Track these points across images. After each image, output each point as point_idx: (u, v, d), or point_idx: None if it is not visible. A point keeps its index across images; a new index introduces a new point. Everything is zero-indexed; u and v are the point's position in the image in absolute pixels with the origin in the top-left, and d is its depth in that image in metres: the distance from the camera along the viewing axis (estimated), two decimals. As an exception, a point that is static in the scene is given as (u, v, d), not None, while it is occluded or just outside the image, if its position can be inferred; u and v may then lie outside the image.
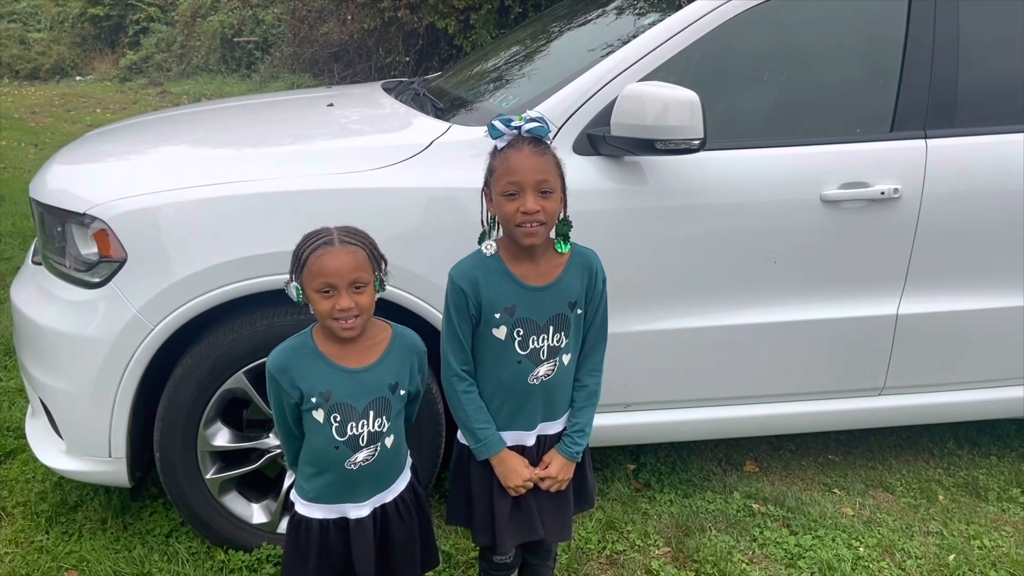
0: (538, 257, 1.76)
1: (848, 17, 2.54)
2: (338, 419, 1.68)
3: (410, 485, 1.85)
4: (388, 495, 1.79)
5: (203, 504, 2.37)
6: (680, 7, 2.46)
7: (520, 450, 1.86)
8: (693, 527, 2.58)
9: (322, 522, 1.75)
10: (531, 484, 1.84)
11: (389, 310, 2.28)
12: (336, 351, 1.69)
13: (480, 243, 1.78)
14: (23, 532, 2.51)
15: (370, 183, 2.23)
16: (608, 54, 2.45)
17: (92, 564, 2.36)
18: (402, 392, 1.73)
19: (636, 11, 2.81)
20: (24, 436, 2.76)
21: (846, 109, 2.54)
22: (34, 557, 2.39)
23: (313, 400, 1.67)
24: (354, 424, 1.68)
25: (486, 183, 1.73)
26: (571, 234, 1.79)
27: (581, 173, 2.31)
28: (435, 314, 2.27)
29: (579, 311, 1.80)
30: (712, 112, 2.21)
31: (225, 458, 2.39)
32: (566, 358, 1.81)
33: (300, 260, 1.64)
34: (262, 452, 2.39)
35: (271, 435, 2.39)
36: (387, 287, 1.73)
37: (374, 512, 1.77)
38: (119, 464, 2.30)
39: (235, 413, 2.42)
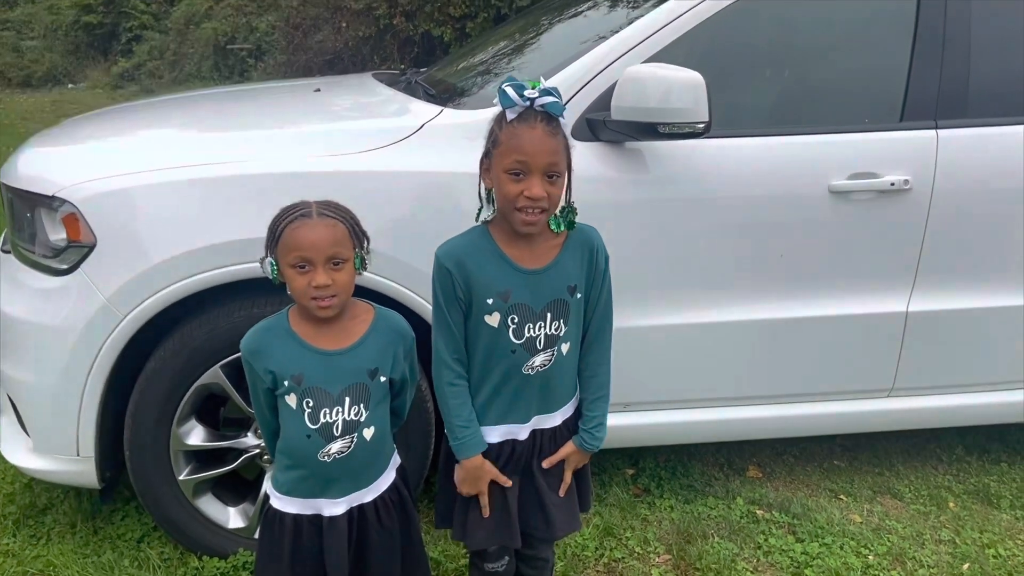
0: (534, 237, 1.62)
1: (858, 4, 2.45)
2: (311, 404, 1.55)
3: (394, 486, 1.71)
4: (367, 494, 1.65)
5: (176, 507, 2.24)
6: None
7: (511, 445, 1.72)
8: (695, 534, 2.45)
9: (296, 517, 1.62)
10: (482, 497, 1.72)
11: (375, 299, 2.16)
12: (311, 332, 1.57)
13: (478, 220, 1.65)
14: (-13, 536, 2.38)
15: (357, 166, 2.11)
16: (607, 38, 2.35)
17: (59, 569, 2.24)
18: (383, 379, 1.61)
19: (629, 3, 2.72)
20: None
21: (855, 97, 2.44)
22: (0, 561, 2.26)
23: (285, 384, 1.55)
24: (328, 411, 1.56)
25: (487, 153, 1.58)
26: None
27: (580, 160, 2.16)
28: (421, 302, 2.14)
29: (579, 295, 1.67)
30: (717, 98, 2.10)
31: (200, 458, 2.26)
32: (565, 347, 1.67)
33: (275, 233, 1.52)
34: (239, 452, 2.26)
35: (249, 434, 2.26)
36: (368, 270, 1.61)
37: (351, 511, 1.64)
38: (87, 463, 2.17)
39: (211, 410, 2.29)
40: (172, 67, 13.50)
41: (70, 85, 14.64)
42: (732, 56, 2.40)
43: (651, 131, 2.12)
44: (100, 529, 2.42)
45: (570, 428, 1.78)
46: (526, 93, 1.51)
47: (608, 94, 2.17)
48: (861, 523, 2.58)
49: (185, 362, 2.12)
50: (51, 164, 2.22)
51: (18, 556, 2.29)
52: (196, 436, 2.22)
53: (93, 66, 14.89)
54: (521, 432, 1.72)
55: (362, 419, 1.58)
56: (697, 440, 2.63)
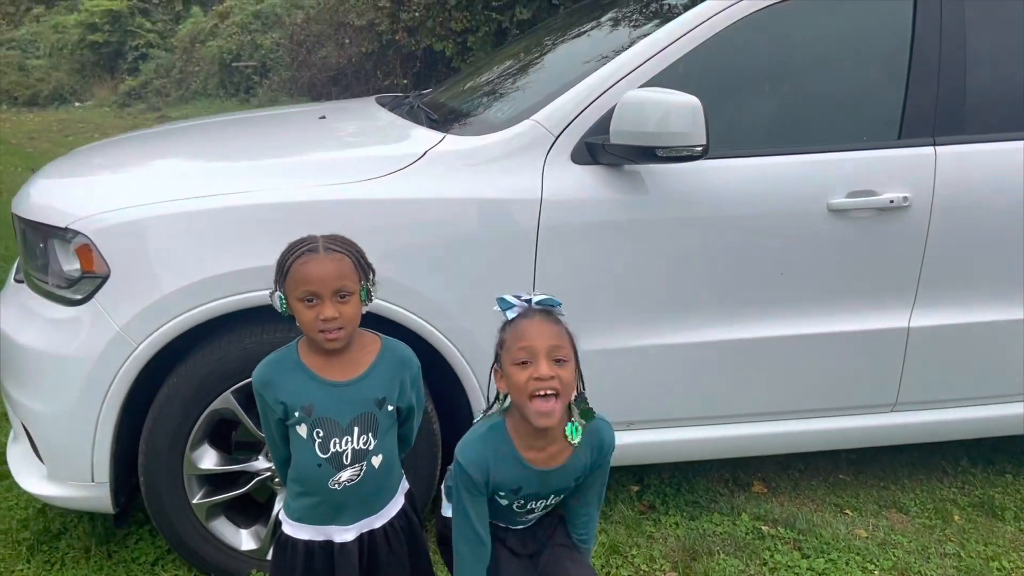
0: (551, 438, 1.64)
1: (853, 22, 2.49)
2: (321, 434, 1.59)
3: (403, 511, 1.75)
4: (377, 520, 1.69)
5: (190, 530, 2.27)
6: (675, 16, 2.41)
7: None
8: (700, 551, 2.47)
9: (307, 544, 1.65)
10: None
11: (380, 325, 2.20)
12: (319, 363, 1.61)
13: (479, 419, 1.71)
14: (3, 562, 2.41)
15: (362, 194, 2.15)
16: (604, 64, 2.39)
17: (73, 595, 2.26)
18: (390, 408, 1.64)
19: (631, 23, 2.77)
20: (5, 461, 2.66)
21: (852, 116, 2.47)
22: (13, 588, 2.30)
23: (296, 415, 1.59)
24: (337, 440, 1.59)
25: (496, 358, 1.63)
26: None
27: (580, 183, 2.25)
28: (429, 329, 2.19)
29: (577, 482, 1.73)
30: (715, 119, 2.14)
31: (213, 482, 2.30)
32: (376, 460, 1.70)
33: (284, 268, 1.57)
34: (251, 475, 2.29)
35: (260, 457, 2.29)
36: (375, 299, 1.65)
37: (361, 537, 1.67)
38: (102, 489, 2.20)
39: (223, 435, 2.33)
40: (178, 85, 13.63)
41: (76, 104, 14.78)
42: (729, 78, 2.44)
43: (650, 154, 2.16)
44: (114, 553, 2.45)
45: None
46: (523, 297, 1.61)
47: (607, 118, 2.21)
48: (867, 538, 2.59)
49: (197, 388, 2.16)
50: (64, 195, 2.27)
51: (34, 581, 2.33)
52: (209, 460, 2.25)
53: (99, 84, 15.03)
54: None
55: (371, 448, 1.62)
56: (701, 457, 2.65)
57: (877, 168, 2.38)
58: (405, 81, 10.32)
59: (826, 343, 2.45)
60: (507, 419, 1.66)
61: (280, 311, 1.60)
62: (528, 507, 1.71)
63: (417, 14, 9.40)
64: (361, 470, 1.62)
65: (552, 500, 1.73)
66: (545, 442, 1.64)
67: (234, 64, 12.78)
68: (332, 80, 11.25)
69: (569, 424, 1.62)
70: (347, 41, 10.96)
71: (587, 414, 1.65)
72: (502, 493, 1.67)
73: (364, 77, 10.87)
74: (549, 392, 1.53)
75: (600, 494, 1.79)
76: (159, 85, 13.95)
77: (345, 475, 1.61)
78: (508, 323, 1.60)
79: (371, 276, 1.63)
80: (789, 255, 2.36)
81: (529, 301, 1.60)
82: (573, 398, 1.62)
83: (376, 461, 1.63)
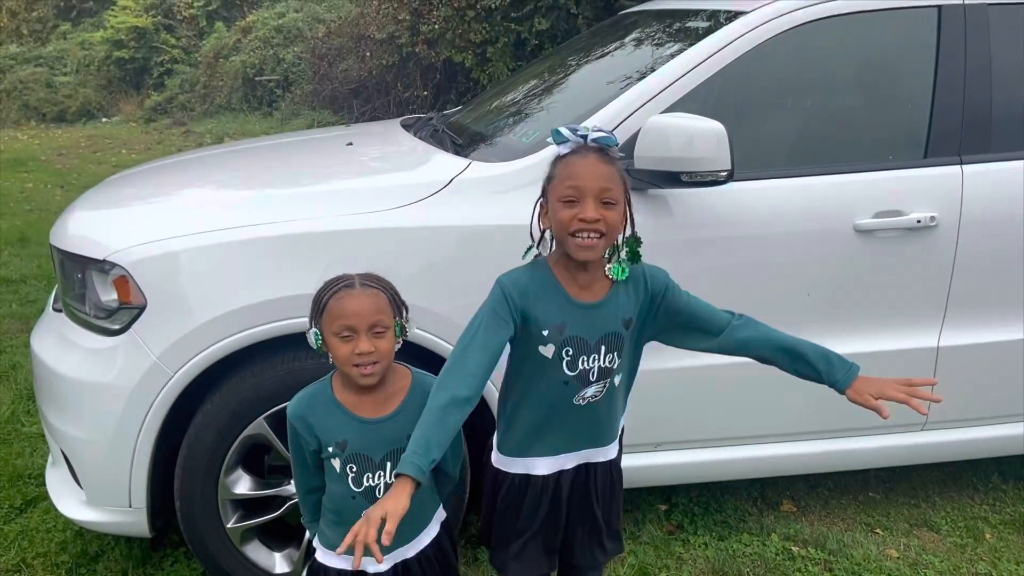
0: (592, 272, 1.63)
1: (877, 41, 2.49)
2: (354, 470, 1.62)
3: (436, 540, 1.77)
4: (410, 550, 1.71)
5: (224, 554, 2.31)
6: (699, 39, 2.42)
7: (556, 476, 1.74)
8: (730, 572, 2.47)
9: (340, 572, 1.68)
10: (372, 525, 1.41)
11: (410, 352, 2.23)
12: (353, 400, 1.64)
13: (525, 256, 1.68)
14: (43, 584, 2.46)
15: (390, 222, 2.19)
16: (629, 86, 2.40)
17: (112, 618, 2.31)
18: None
19: (654, 42, 2.78)
20: (44, 484, 2.72)
21: (878, 135, 2.47)
22: (53, 611, 2.35)
23: (330, 449, 1.62)
24: (371, 475, 1.63)
25: (543, 192, 1.63)
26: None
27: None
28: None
29: (632, 329, 1.68)
30: (739, 142, 2.16)
31: (246, 506, 2.34)
32: (617, 379, 1.70)
33: (320, 304, 1.60)
34: (284, 499, 2.33)
35: (293, 482, 2.33)
36: (409, 331, 1.68)
37: (395, 567, 1.69)
38: (139, 514, 2.25)
39: (256, 460, 2.37)
40: (203, 100, 13.79)
41: (104, 119, 15.00)
42: (753, 100, 2.45)
43: (674, 179, 2.18)
44: (150, 576, 2.50)
45: (616, 467, 1.80)
46: (579, 132, 1.57)
47: (631, 143, 2.22)
48: (898, 558, 2.58)
49: (231, 414, 2.20)
50: (100, 227, 2.32)
51: (73, 604, 2.38)
52: (243, 485, 2.29)
53: (126, 100, 15.24)
54: (567, 462, 1.75)
55: None
56: (730, 477, 2.65)
57: (903, 188, 2.38)
58: (425, 93, 10.40)
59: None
60: (549, 260, 1.65)
61: (315, 348, 1.63)
62: (579, 365, 1.64)
63: (437, 26, 9.47)
64: None
65: (605, 356, 1.65)
66: (588, 278, 1.62)
67: (257, 78, 12.92)
68: (353, 93, 11.35)
69: (615, 264, 1.62)
70: (368, 54, 11.06)
71: (635, 256, 1.63)
72: (545, 331, 1.61)
73: (385, 89, 10.96)
74: (593, 234, 1.53)
75: (718, 314, 1.73)
76: (184, 100, 14.12)
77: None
78: (560, 158, 1.58)
79: (405, 312, 1.65)
80: (816, 276, 2.36)
81: (585, 137, 1.57)
82: (623, 239, 1.61)
83: None
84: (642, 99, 2.32)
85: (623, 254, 1.65)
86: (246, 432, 2.22)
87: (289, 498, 2.32)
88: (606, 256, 1.64)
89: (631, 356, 1.74)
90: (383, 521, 1.37)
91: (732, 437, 2.49)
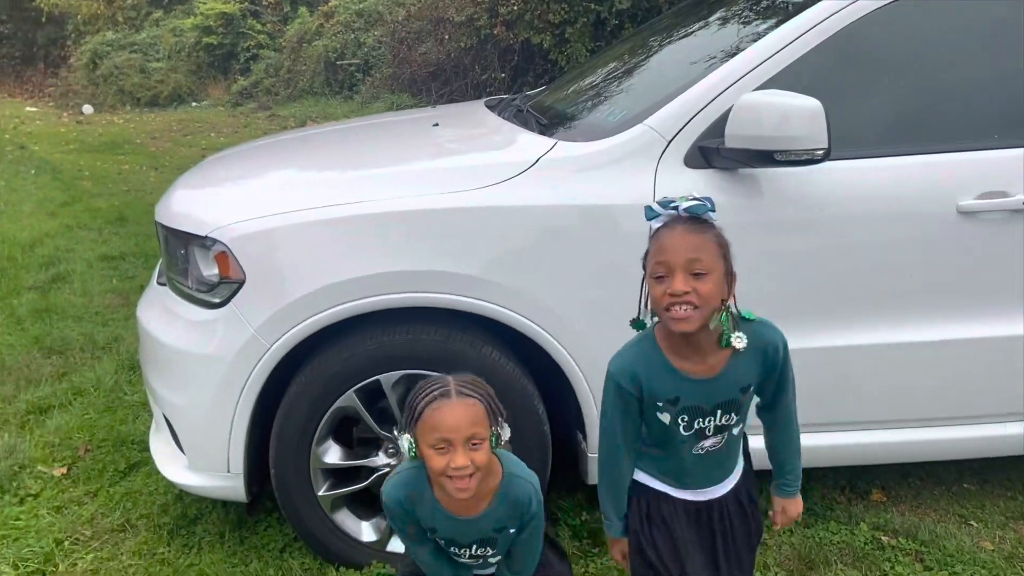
0: (702, 343, 1.58)
1: (982, 15, 2.37)
2: (451, 549, 1.74)
3: None
4: None
5: (315, 520, 2.40)
6: (792, 14, 2.35)
7: (695, 507, 1.73)
8: (817, 560, 2.43)
9: None
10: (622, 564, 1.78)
11: (497, 330, 2.26)
12: (445, 499, 1.70)
13: (633, 326, 1.67)
14: (146, 544, 2.60)
15: (479, 202, 2.21)
16: (717, 65, 2.36)
17: (211, 578, 2.43)
18: (511, 531, 1.74)
19: (742, 20, 2.71)
20: (147, 449, 2.87)
21: (983, 113, 2.36)
22: (156, 569, 2.48)
23: (428, 534, 1.73)
24: (457, 550, 1.74)
25: (644, 267, 1.61)
26: None
27: (693, 188, 2.23)
28: (540, 332, 2.22)
29: (749, 394, 1.66)
30: (835, 120, 2.09)
31: (336, 475, 2.42)
32: (736, 430, 1.69)
33: (415, 412, 1.59)
34: (371, 470, 2.40)
35: (380, 454, 2.40)
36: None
37: None
38: (237, 479, 2.35)
39: (346, 431, 2.45)
40: (286, 84, 14.16)
41: (193, 104, 15.58)
42: (850, 77, 2.36)
43: (767, 158, 2.12)
44: (246, 539, 2.61)
45: (737, 496, 1.78)
46: (671, 204, 1.54)
47: (721, 121, 2.18)
48: (993, 551, 2.48)
49: (323, 387, 2.27)
50: (202, 205, 2.42)
51: (173, 564, 2.50)
52: (333, 455, 2.37)
53: (214, 85, 15.78)
54: (698, 496, 1.73)
55: (489, 555, 1.77)
56: (821, 464, 2.59)
57: (1010, 168, 2.27)
58: (503, 75, 10.42)
59: (954, 349, 2.35)
60: (656, 331, 1.63)
61: (408, 455, 1.66)
62: (695, 426, 1.62)
63: (515, 8, 9.46)
64: (481, 563, 1.78)
65: (721, 417, 1.63)
66: (691, 350, 1.58)
67: (338, 62, 13.18)
68: (431, 76, 11.47)
69: (723, 334, 1.56)
70: (446, 37, 11.14)
71: (740, 321, 1.58)
72: (660, 403, 1.61)
73: (462, 72, 11.03)
74: (686, 306, 1.49)
75: (789, 401, 1.71)
76: (269, 84, 14.53)
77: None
78: (653, 233, 1.56)
79: (500, 419, 1.64)
80: (915, 259, 2.28)
81: (676, 208, 1.52)
82: (727, 305, 1.56)
83: (494, 559, 1.79)
84: (732, 78, 2.27)
85: (729, 325, 1.57)
86: (337, 404, 2.29)
87: (376, 469, 2.39)
88: (721, 322, 1.56)
89: (748, 408, 1.71)
90: None
91: (825, 423, 2.43)
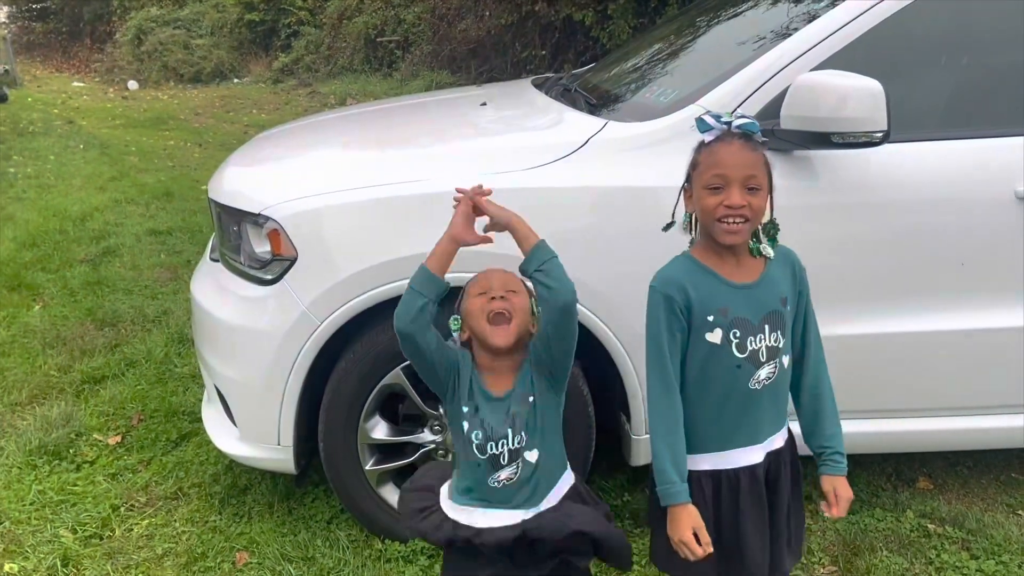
0: (740, 254, 1.63)
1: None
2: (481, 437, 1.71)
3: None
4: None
5: (362, 493, 2.45)
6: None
7: (750, 472, 1.67)
8: (862, 546, 2.41)
9: None
10: (691, 547, 1.57)
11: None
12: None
13: (664, 230, 1.69)
14: (198, 512, 2.68)
15: (528, 182, 2.21)
16: (769, 45, 2.32)
17: (261, 546, 2.49)
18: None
19: (793, 0, 2.65)
20: (198, 420, 2.95)
21: (1047, 95, 2.29)
22: (208, 536, 2.55)
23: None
24: (494, 443, 1.70)
25: (687, 178, 1.64)
26: None
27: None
28: (587, 313, 2.21)
29: (789, 307, 1.66)
30: (893, 102, 2.05)
31: (383, 451, 2.46)
32: (785, 360, 1.66)
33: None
34: (416, 447, 2.43)
35: (425, 430, 2.43)
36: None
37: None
38: (287, 452, 2.40)
39: (393, 408, 2.48)
40: (327, 61, 14.21)
41: (235, 80, 15.72)
42: (909, 58, 2.31)
43: (823, 140, 2.09)
44: (294, 510, 2.67)
45: (791, 450, 1.75)
46: (722, 119, 1.58)
47: (776, 102, 2.15)
48: (1043, 542, 2.45)
49: (371, 364, 2.31)
50: (255, 183, 2.46)
51: (224, 532, 2.57)
52: (380, 431, 2.41)
53: (255, 61, 15.91)
54: (754, 455, 1.68)
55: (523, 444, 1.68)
56: (868, 451, 2.57)
57: (1074, 152, 2.21)
58: (543, 52, 10.34)
59: (1009, 338, 2.31)
60: (693, 252, 1.66)
61: (453, 333, 1.73)
62: (748, 346, 1.60)
63: (557, -16, 9.35)
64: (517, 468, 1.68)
65: (770, 335, 1.61)
66: (731, 260, 1.63)
67: (378, 39, 13.19)
68: (471, 53, 11.42)
69: (753, 244, 1.63)
70: (487, 13, 11.07)
71: (772, 240, 1.64)
72: (710, 317, 1.60)
73: (502, 49, 10.97)
74: (738, 220, 1.55)
75: (822, 354, 1.71)
76: (309, 61, 14.60)
77: (504, 474, 1.67)
78: (704, 145, 1.60)
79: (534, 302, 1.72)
80: (972, 245, 2.24)
81: (729, 123, 1.57)
82: (762, 224, 1.62)
83: (531, 456, 1.68)
84: (788, 57, 2.24)
85: (763, 241, 1.64)
86: (384, 381, 2.33)
87: (422, 446, 2.43)
88: (751, 239, 1.63)
89: (791, 337, 1.68)
90: None
91: (875, 410, 2.40)
